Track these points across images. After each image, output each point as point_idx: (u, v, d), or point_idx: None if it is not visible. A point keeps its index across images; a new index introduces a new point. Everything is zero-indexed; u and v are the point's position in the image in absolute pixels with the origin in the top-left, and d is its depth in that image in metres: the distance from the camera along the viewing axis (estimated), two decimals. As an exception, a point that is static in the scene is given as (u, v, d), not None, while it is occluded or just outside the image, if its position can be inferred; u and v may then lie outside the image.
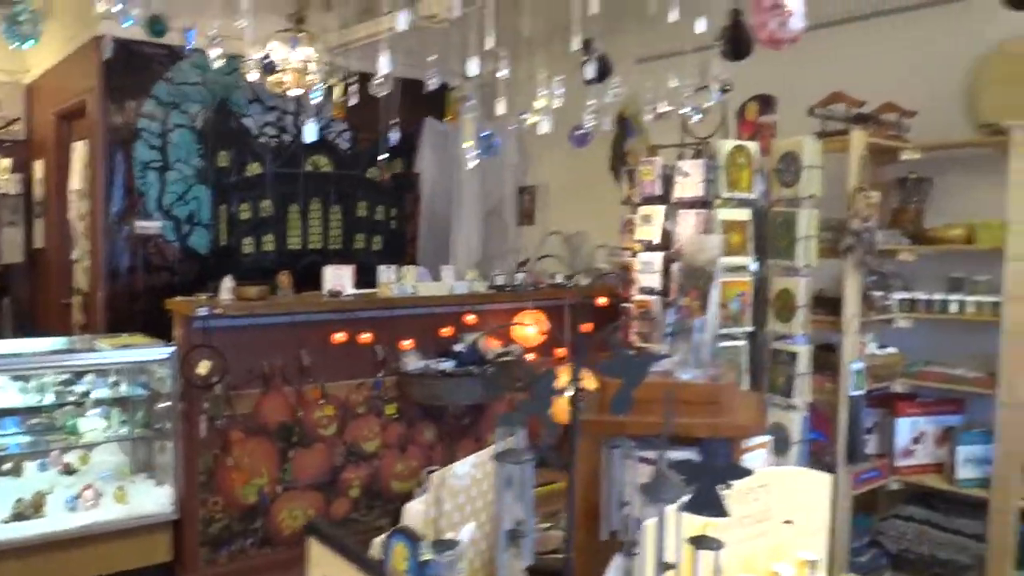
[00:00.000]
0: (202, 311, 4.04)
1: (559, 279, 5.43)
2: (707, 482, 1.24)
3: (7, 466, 4.24)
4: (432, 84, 3.80)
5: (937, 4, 4.27)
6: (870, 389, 4.03)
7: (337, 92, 4.44)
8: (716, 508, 1.24)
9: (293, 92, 4.55)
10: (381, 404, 4.71)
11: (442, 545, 1.19)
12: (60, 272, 6.50)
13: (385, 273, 4.67)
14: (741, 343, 3.54)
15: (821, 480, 1.66)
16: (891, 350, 4.13)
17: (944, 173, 4.21)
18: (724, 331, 3.51)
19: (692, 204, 3.75)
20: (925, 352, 4.24)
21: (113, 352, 4.16)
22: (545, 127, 4.10)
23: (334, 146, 6.14)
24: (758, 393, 2.13)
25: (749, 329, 3.56)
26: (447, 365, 4.66)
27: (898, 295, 4.12)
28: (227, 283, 4.27)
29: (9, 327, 7.17)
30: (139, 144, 5.38)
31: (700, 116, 4.07)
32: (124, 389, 4.37)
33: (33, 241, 7.31)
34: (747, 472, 1.24)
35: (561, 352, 5.00)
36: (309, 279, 4.83)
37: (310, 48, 4.23)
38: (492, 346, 4.87)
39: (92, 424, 4.31)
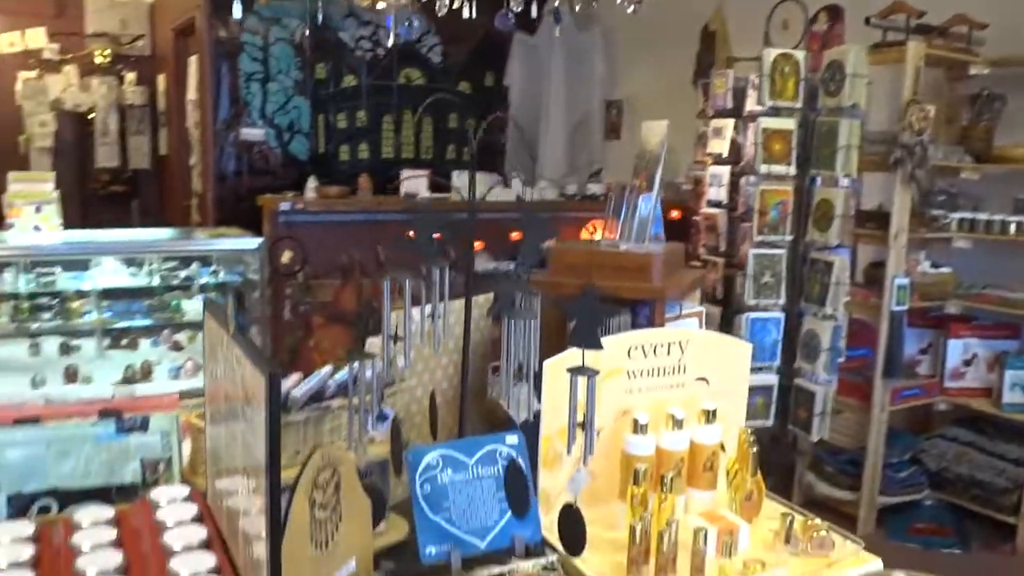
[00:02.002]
0: (285, 206, 4.43)
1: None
2: (585, 319, 1.44)
3: (125, 341, 4.79)
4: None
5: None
6: (921, 308, 4.02)
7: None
8: (592, 342, 1.45)
9: (381, 6, 4.78)
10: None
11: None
12: (181, 176, 7.09)
13: (458, 178, 4.93)
14: (780, 251, 3.61)
15: (742, 347, 1.82)
16: (944, 270, 4.08)
17: (1020, 91, 4.07)
18: (762, 239, 3.60)
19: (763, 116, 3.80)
20: (984, 274, 4.17)
21: (208, 241, 4.61)
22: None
23: (426, 59, 6.37)
24: (699, 270, 2.29)
25: (789, 238, 3.63)
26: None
27: (958, 215, 4.04)
28: (311, 183, 4.66)
29: (138, 227, 7.89)
30: (243, 57, 5.77)
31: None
32: (223, 276, 4.83)
33: (159, 148, 7.98)
34: (618, 313, 1.43)
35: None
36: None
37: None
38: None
39: (195, 306, 4.81)
